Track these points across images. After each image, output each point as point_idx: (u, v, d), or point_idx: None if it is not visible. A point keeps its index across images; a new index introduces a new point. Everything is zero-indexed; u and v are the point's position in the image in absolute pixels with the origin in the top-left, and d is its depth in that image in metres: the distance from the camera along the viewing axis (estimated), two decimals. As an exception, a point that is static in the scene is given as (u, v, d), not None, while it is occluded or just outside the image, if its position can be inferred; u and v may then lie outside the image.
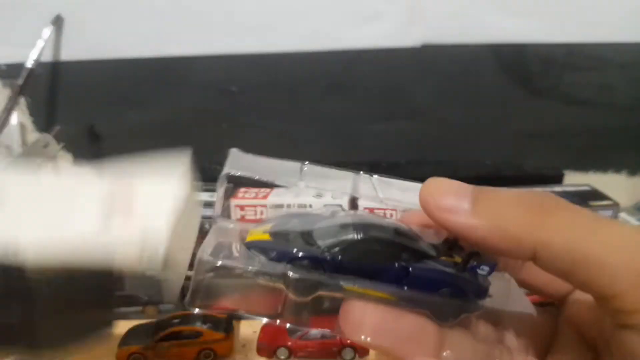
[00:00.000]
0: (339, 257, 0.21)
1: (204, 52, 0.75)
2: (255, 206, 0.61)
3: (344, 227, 0.21)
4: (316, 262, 0.21)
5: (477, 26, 0.71)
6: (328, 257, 0.21)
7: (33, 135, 0.79)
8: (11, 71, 0.75)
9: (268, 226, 0.22)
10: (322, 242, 0.21)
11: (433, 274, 0.21)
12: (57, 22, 0.73)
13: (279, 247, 0.21)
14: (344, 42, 0.73)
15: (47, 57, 0.75)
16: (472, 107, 0.75)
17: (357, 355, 0.56)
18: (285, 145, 0.79)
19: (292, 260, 0.21)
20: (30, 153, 0.65)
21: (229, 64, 0.75)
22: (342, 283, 0.21)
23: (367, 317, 0.20)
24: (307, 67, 0.75)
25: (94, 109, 0.79)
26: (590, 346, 0.21)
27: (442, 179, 0.19)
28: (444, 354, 0.21)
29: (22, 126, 0.79)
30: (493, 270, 0.22)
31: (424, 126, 0.76)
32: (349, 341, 0.55)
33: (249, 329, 0.61)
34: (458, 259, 0.22)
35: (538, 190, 0.19)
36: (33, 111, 0.79)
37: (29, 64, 0.71)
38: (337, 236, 0.21)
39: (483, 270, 0.21)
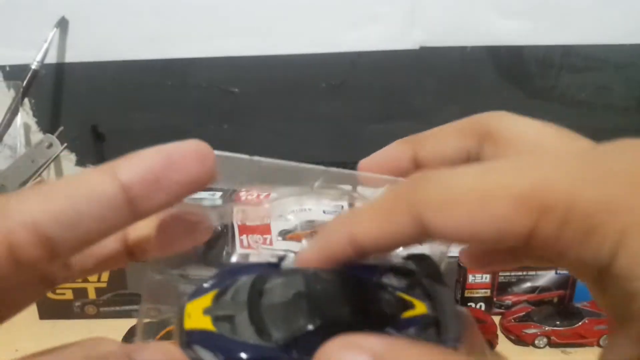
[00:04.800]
0: (295, 354, 0.17)
1: (206, 54, 0.75)
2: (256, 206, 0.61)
3: (297, 298, 0.18)
4: None
5: (475, 28, 0.72)
6: (286, 358, 0.17)
7: (37, 136, 0.80)
8: (16, 72, 0.76)
9: (209, 297, 0.18)
10: (276, 332, 0.17)
11: None
12: (62, 24, 0.74)
13: (226, 345, 0.17)
14: (344, 44, 0.74)
15: (51, 59, 0.75)
16: (469, 108, 0.75)
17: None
18: (285, 146, 0.80)
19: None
20: (34, 153, 0.66)
21: (230, 66, 0.76)
22: None
23: None
24: (307, 69, 0.76)
25: (98, 110, 0.80)
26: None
27: (334, 354, 0.15)
28: None
29: (26, 126, 0.79)
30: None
31: (423, 127, 0.76)
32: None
33: None
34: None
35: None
36: (37, 112, 0.80)
37: (34, 65, 0.72)
38: (290, 321, 0.17)
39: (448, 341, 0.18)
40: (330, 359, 0.15)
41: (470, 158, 0.21)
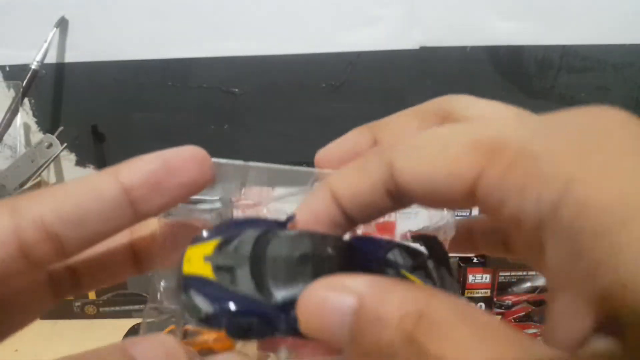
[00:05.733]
0: (293, 316, 0.16)
1: (206, 54, 0.75)
2: (256, 205, 0.61)
3: (303, 260, 0.17)
4: (267, 322, 0.17)
5: (474, 28, 0.72)
6: (283, 318, 0.16)
7: (37, 136, 0.80)
8: (15, 72, 0.76)
9: (211, 244, 0.18)
10: (276, 291, 0.17)
11: None
12: (62, 24, 0.74)
13: (224, 295, 0.17)
14: (344, 44, 0.74)
15: (51, 59, 0.75)
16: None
17: (356, 353, 0.56)
18: (285, 146, 0.80)
19: (234, 316, 0.17)
20: (33, 153, 0.66)
21: (230, 66, 0.76)
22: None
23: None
24: (307, 69, 0.76)
25: (98, 110, 0.80)
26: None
27: (317, 294, 0.15)
28: None
29: (26, 126, 0.79)
30: None
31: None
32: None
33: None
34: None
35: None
36: (37, 112, 0.80)
37: (33, 65, 0.72)
38: (294, 281, 0.17)
39: None
40: (314, 300, 0.15)
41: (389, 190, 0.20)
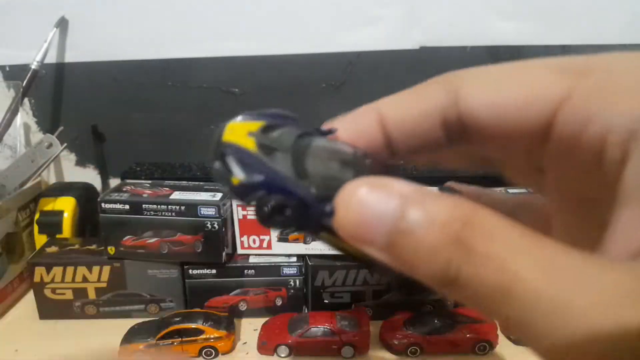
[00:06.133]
0: (329, 209, 0.15)
1: (206, 54, 0.75)
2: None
3: (343, 165, 0.16)
4: (300, 207, 0.16)
5: (474, 28, 0.72)
6: (318, 209, 0.15)
7: (37, 136, 0.80)
8: (15, 72, 0.76)
9: (256, 125, 0.17)
10: (315, 183, 0.16)
11: None
12: (62, 24, 0.74)
13: (264, 169, 0.16)
14: (344, 44, 0.74)
15: (51, 59, 0.76)
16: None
17: (356, 353, 0.56)
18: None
19: (269, 190, 0.16)
20: (33, 153, 0.66)
21: (230, 66, 0.76)
22: (321, 231, 0.16)
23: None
24: (307, 69, 0.76)
25: (98, 110, 0.80)
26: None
27: (360, 190, 0.14)
28: None
29: (26, 126, 0.80)
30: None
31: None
32: (348, 339, 0.56)
33: (250, 327, 0.61)
34: None
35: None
36: (37, 112, 0.80)
37: (33, 65, 0.72)
38: (333, 180, 0.16)
39: None
40: (356, 194, 0.14)
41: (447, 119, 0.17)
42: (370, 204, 0.14)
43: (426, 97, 0.16)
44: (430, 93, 0.16)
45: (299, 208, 0.16)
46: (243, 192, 0.16)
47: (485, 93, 0.15)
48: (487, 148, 0.17)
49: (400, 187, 0.14)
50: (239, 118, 0.17)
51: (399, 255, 0.13)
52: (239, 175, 0.16)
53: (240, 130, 0.17)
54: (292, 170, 0.16)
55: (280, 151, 0.16)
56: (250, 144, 0.16)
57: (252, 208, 0.16)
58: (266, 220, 0.16)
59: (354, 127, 0.17)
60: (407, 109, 0.16)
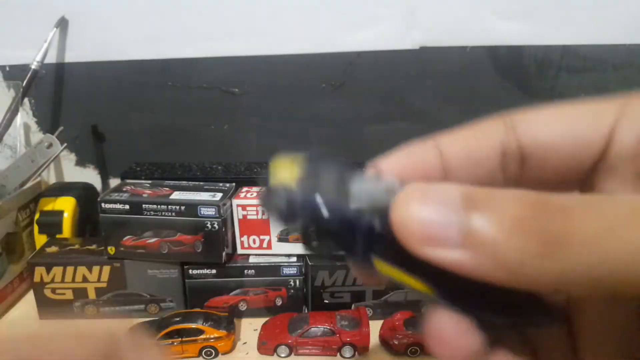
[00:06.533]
0: (379, 225, 0.15)
1: (206, 54, 0.75)
2: (258, 205, 0.61)
3: (392, 191, 0.15)
4: (347, 228, 0.16)
5: (474, 29, 0.72)
6: (364, 223, 0.15)
7: (37, 136, 0.80)
8: (15, 72, 0.76)
9: (296, 165, 0.17)
10: (359, 203, 0.16)
11: None
12: (62, 24, 0.74)
13: (309, 195, 0.16)
14: (344, 44, 0.74)
15: (51, 59, 0.76)
16: (469, 108, 0.76)
17: (356, 353, 0.56)
18: (285, 146, 0.80)
19: (313, 214, 0.16)
20: (34, 153, 0.66)
21: (230, 66, 0.76)
22: (373, 256, 0.16)
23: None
24: (307, 69, 0.76)
25: (98, 110, 0.80)
26: None
27: (419, 188, 0.14)
28: None
29: (26, 126, 0.80)
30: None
31: (422, 127, 0.77)
32: (348, 339, 0.56)
33: (250, 327, 0.61)
34: None
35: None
36: (37, 112, 0.80)
37: (33, 65, 0.72)
38: (380, 199, 0.15)
39: None
40: (418, 191, 0.14)
41: (507, 153, 0.18)
42: (434, 197, 0.13)
43: (487, 133, 0.17)
44: (490, 129, 0.17)
45: (343, 223, 0.16)
46: (290, 217, 0.16)
47: (542, 124, 0.16)
48: (543, 179, 0.17)
49: (457, 185, 0.14)
50: (282, 159, 0.18)
51: (478, 243, 0.13)
52: (282, 204, 0.16)
53: (283, 168, 0.17)
54: (336, 194, 0.16)
55: (324, 182, 0.16)
56: (291, 180, 0.17)
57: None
58: (308, 240, 0.16)
59: (412, 162, 0.17)
60: (469, 144, 0.17)
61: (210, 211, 0.58)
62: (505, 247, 0.12)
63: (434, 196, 0.14)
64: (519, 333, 0.17)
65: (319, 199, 0.16)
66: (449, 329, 0.15)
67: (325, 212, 0.16)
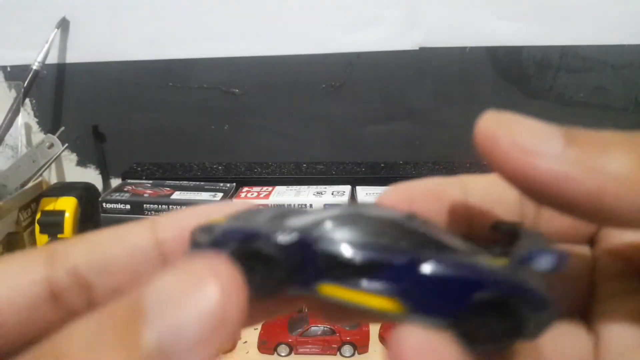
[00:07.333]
0: (316, 241, 0.14)
1: (207, 54, 0.76)
2: (257, 206, 0.62)
3: (334, 218, 0.15)
4: (285, 250, 0.14)
5: (474, 29, 0.72)
6: (298, 241, 0.14)
7: (38, 136, 0.80)
8: (17, 73, 0.76)
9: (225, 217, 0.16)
10: (294, 223, 0.15)
11: (462, 272, 0.14)
12: (63, 25, 0.75)
13: (233, 227, 0.15)
14: (344, 45, 0.74)
15: (53, 59, 0.76)
16: (468, 108, 0.76)
17: (356, 352, 0.56)
18: (285, 146, 0.80)
19: (243, 242, 0.14)
20: (35, 153, 0.66)
21: (231, 66, 0.76)
22: (319, 282, 0.14)
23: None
24: (307, 69, 0.76)
25: (99, 110, 0.80)
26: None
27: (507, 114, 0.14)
28: None
29: (27, 127, 0.80)
30: (562, 263, 0.14)
31: (422, 127, 0.77)
32: (348, 338, 0.56)
33: (250, 326, 0.62)
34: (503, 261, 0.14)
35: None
36: (38, 112, 0.81)
37: (35, 65, 0.72)
38: (317, 219, 0.15)
39: (542, 262, 0.14)
40: (499, 128, 0.14)
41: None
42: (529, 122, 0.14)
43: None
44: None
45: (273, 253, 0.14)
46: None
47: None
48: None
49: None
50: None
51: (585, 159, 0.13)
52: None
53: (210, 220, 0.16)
54: (269, 224, 0.15)
55: (259, 216, 0.16)
56: (220, 219, 0.16)
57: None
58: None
59: (435, 191, 0.18)
60: (491, 186, 0.18)
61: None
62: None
63: (530, 122, 0.14)
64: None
65: (253, 225, 0.15)
66: (426, 347, 0.13)
67: (262, 233, 0.14)
